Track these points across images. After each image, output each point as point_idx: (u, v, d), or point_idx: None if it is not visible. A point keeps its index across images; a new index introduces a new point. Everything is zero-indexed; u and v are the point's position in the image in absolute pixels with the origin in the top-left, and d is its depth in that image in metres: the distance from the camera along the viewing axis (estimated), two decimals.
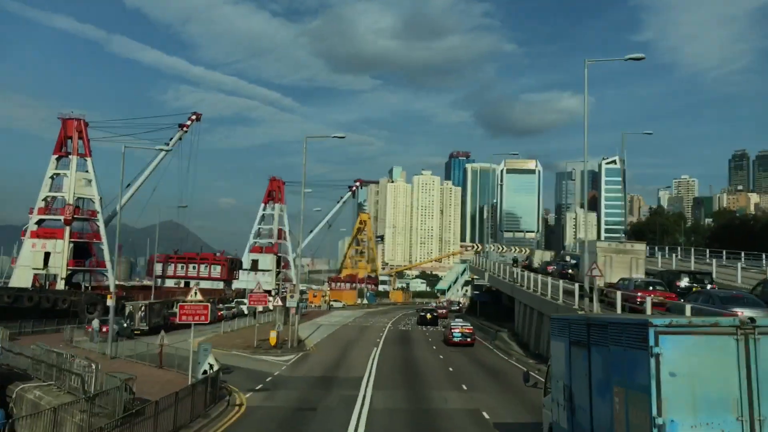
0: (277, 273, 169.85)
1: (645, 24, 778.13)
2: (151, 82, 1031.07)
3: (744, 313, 16.32)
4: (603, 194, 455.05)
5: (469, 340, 53.39)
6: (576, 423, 12.75)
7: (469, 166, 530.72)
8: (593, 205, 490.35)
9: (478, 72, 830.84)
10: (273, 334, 47.07)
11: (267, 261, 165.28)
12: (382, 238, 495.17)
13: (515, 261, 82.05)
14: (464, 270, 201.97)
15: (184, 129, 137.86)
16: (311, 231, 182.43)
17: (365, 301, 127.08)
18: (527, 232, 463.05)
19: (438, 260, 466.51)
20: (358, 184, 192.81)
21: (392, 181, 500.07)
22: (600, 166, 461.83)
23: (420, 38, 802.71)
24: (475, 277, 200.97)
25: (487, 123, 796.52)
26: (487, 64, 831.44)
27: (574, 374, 12.95)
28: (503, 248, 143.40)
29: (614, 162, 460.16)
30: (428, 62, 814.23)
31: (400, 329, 72.31)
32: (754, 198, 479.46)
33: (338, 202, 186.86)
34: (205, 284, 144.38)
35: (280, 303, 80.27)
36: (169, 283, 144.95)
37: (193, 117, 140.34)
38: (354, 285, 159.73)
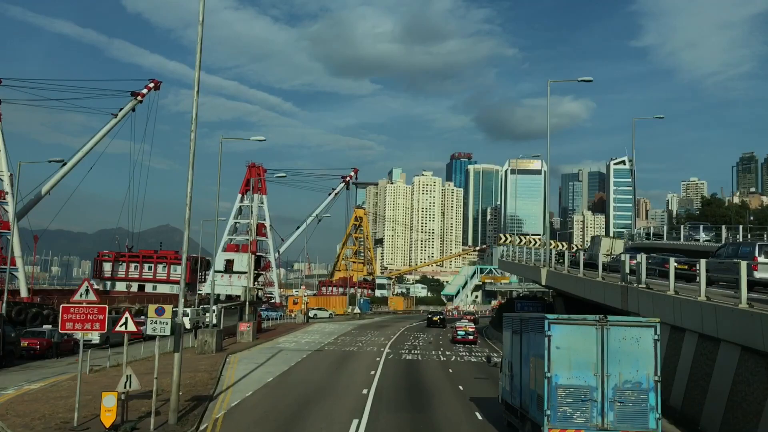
0: (257, 276, 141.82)
1: (645, 29, 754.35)
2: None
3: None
4: (612, 195, 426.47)
5: (471, 338, 57.09)
6: (513, 384, 19.91)
7: (471, 167, 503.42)
8: (601, 207, 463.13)
9: (478, 76, 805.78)
10: (109, 402, 18.85)
11: (243, 261, 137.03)
12: (381, 241, 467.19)
13: (560, 256, 54.22)
14: (474, 273, 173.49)
15: (138, 98, 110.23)
16: (298, 227, 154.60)
17: (357, 310, 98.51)
18: (533, 235, 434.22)
19: (440, 263, 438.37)
20: (353, 173, 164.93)
21: (391, 183, 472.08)
22: (608, 167, 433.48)
23: (420, 42, 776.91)
24: (488, 281, 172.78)
25: (488, 127, 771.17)
26: (487, 69, 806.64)
27: (513, 352, 20.31)
28: (521, 240, 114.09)
29: (623, 162, 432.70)
30: (428, 66, 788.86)
31: (405, 358, 44.18)
32: None
33: (330, 195, 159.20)
34: (163, 288, 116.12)
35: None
36: (121, 286, 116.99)
37: (151, 85, 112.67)
38: (348, 290, 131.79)
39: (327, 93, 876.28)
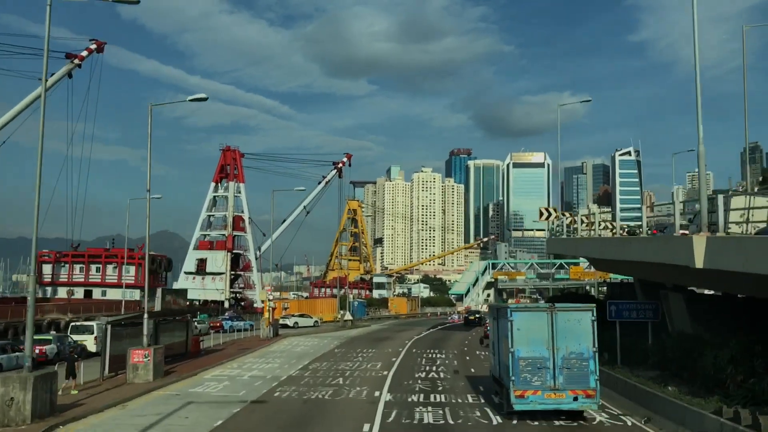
0: (234, 277, 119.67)
1: (642, 24, 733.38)
2: (148, 92, 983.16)
3: None
4: (618, 188, 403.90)
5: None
6: (495, 361, 24.77)
7: (471, 162, 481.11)
8: (606, 200, 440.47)
9: (475, 74, 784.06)
10: None
11: (218, 260, 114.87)
12: (380, 241, 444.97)
13: (662, 229, 32.39)
14: (485, 269, 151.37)
15: (75, 62, 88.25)
16: (284, 220, 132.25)
17: (348, 317, 75.53)
18: (537, 230, 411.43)
19: (441, 261, 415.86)
20: (346, 159, 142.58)
21: (390, 181, 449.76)
22: (613, 158, 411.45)
23: (416, 41, 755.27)
24: (501, 277, 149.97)
25: (486, 125, 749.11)
26: (484, 66, 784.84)
27: (493, 335, 25.80)
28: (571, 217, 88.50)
29: (629, 153, 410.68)
30: (425, 65, 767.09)
31: (421, 418, 21.81)
32: None
33: (320, 183, 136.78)
34: (113, 293, 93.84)
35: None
36: (63, 292, 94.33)
37: (93, 47, 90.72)
38: (339, 291, 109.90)
39: (324, 95, 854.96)
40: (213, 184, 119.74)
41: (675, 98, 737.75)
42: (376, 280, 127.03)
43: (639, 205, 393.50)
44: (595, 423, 20.52)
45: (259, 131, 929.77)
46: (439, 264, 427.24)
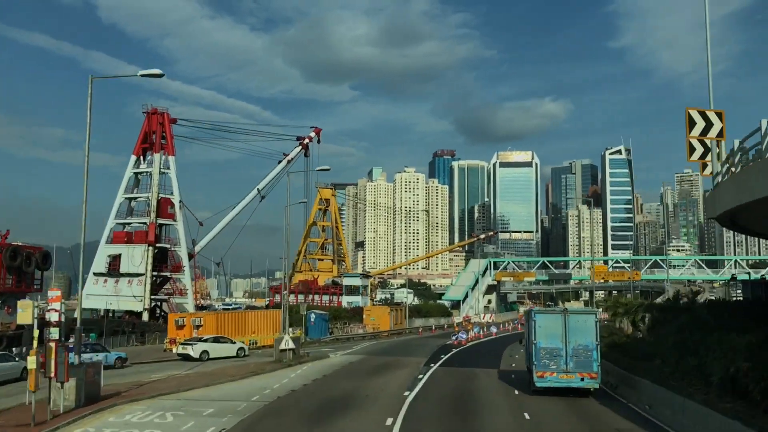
0: (160, 280, 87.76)
1: (621, 30, 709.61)
2: (128, 98, 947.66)
3: None
4: (608, 188, 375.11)
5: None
6: (527, 352, 29.78)
7: (455, 163, 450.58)
8: (595, 201, 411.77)
9: (457, 79, 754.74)
10: None
11: (136, 257, 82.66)
12: (362, 244, 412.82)
13: None
14: (486, 268, 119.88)
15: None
16: (233, 207, 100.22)
17: (289, 342, 42.85)
18: (525, 232, 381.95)
19: (425, 262, 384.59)
20: (314, 134, 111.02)
21: (372, 182, 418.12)
22: (603, 157, 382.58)
23: (397, 45, 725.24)
24: (506, 279, 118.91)
25: (468, 130, 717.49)
26: (465, 72, 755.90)
27: (526, 333, 30.67)
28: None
29: (619, 152, 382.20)
30: (406, 69, 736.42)
31: None
32: None
33: (280, 162, 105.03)
34: None
35: None
36: None
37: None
38: (285, 300, 78.13)
39: (305, 100, 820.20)
40: (133, 158, 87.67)
41: (655, 104, 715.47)
42: (347, 281, 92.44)
43: (631, 206, 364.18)
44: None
45: (241, 136, 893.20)
46: (423, 268, 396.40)
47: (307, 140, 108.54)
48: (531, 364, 27.30)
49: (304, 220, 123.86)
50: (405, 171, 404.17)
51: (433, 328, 76.64)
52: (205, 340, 44.39)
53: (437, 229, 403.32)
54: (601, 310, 32.77)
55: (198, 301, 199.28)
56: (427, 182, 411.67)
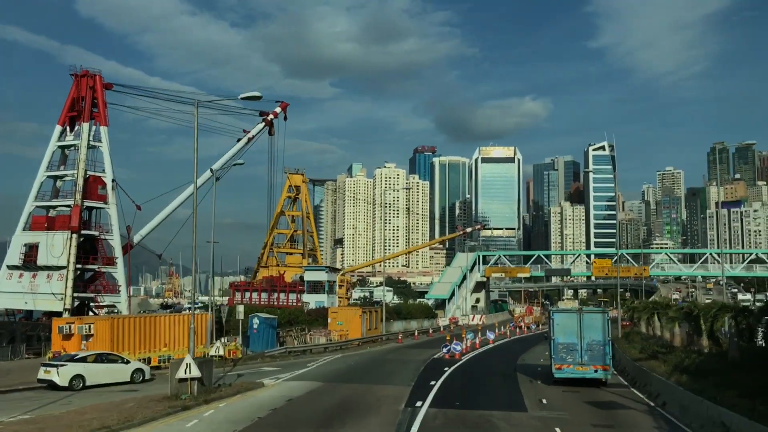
0: (90, 275, 72.13)
1: (601, 30, 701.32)
2: (107, 93, 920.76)
3: None
4: (591, 184, 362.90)
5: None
6: (550, 347, 30.27)
7: (436, 160, 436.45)
8: (578, 198, 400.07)
9: (438, 77, 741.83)
10: None
11: (57, 246, 66.85)
12: (341, 241, 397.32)
13: None
14: (474, 263, 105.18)
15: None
16: (184, 189, 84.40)
17: (194, 369, 27.86)
18: (507, 229, 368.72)
19: (405, 258, 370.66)
20: (279, 109, 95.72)
21: (351, 177, 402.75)
22: (586, 153, 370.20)
23: (378, 42, 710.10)
24: (497, 274, 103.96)
25: (449, 128, 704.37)
26: (446, 70, 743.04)
27: (550, 330, 30.41)
28: None
29: (602, 148, 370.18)
30: (388, 67, 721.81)
31: None
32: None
33: (239, 140, 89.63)
34: None
35: None
36: None
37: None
38: (212, 306, 62.72)
39: (287, 97, 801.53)
40: (59, 129, 71.95)
41: (634, 104, 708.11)
42: (309, 276, 74.11)
43: (614, 203, 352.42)
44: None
45: (221, 133, 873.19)
46: (403, 266, 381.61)
47: (271, 116, 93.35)
48: (550, 356, 29.76)
49: (269, 209, 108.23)
50: (385, 167, 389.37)
51: (416, 333, 61.94)
52: (81, 360, 29.34)
53: (418, 226, 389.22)
54: (609, 310, 34.59)
55: (166, 300, 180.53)
56: (407, 178, 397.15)
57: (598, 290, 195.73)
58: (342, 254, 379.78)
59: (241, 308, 39.99)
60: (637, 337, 46.30)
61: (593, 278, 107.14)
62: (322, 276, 66.20)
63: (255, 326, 40.56)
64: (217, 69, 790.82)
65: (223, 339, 38.58)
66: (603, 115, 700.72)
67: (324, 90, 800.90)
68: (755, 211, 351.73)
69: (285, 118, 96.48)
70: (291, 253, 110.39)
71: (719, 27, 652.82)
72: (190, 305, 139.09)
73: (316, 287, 66.03)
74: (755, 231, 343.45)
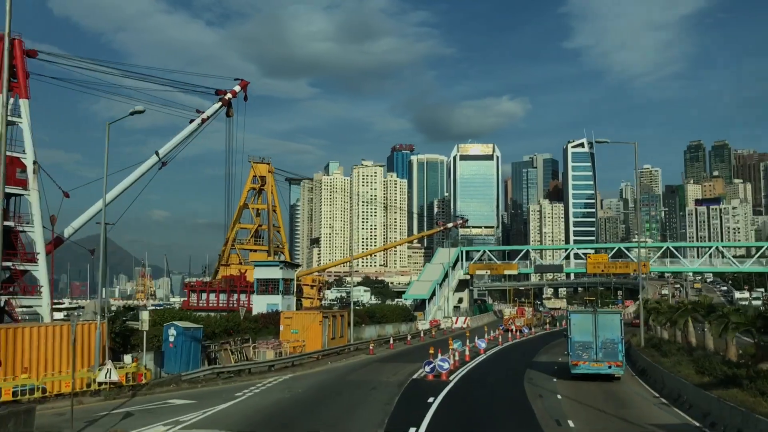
0: (8, 275, 60.33)
1: (576, 31, 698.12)
2: (81, 93, 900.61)
3: None
4: (570, 182, 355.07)
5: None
6: (567, 344, 31.94)
7: (414, 158, 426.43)
8: (556, 195, 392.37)
9: (415, 77, 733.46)
10: None
11: None
12: (317, 241, 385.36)
13: None
14: (456, 259, 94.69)
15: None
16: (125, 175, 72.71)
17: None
18: (486, 227, 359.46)
19: (382, 255, 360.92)
20: (239, 88, 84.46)
21: (328, 175, 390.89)
22: (565, 150, 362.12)
23: (355, 41, 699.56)
24: (481, 272, 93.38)
25: (427, 128, 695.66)
26: (424, 70, 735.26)
27: (568, 329, 32.01)
28: None
29: (581, 145, 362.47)
30: (365, 66, 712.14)
31: None
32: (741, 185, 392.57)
33: (192, 122, 78.05)
34: None
35: None
36: None
37: None
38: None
39: (263, 97, 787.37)
40: None
41: (610, 104, 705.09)
42: (259, 273, 60.31)
43: (593, 200, 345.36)
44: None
45: (198, 134, 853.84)
46: (381, 265, 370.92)
47: (229, 95, 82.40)
48: (568, 354, 31.60)
49: (227, 200, 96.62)
50: (362, 165, 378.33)
51: (391, 341, 51.16)
52: None
53: (396, 225, 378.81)
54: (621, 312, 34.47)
55: (129, 303, 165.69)
56: (385, 176, 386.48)
57: (579, 289, 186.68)
58: (319, 254, 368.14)
59: (145, 315, 28.99)
60: (670, 346, 36.13)
61: (589, 275, 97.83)
62: (275, 273, 54.70)
63: (171, 339, 29.71)
64: (193, 68, 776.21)
65: (126, 357, 27.55)
66: (580, 114, 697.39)
67: (301, 90, 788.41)
68: (734, 208, 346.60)
69: (245, 98, 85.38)
70: (255, 250, 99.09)
71: (694, 28, 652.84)
72: (154, 306, 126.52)
73: (267, 285, 54.66)
74: (734, 228, 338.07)
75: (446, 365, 31.06)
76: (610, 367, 30.24)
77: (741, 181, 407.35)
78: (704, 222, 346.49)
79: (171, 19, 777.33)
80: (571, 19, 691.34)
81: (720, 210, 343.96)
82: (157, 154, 71.89)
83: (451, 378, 31.10)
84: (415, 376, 31.81)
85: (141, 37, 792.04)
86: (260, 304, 53.49)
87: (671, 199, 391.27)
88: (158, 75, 75.65)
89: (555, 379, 31.66)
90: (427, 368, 31.16)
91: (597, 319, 30.86)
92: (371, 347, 44.72)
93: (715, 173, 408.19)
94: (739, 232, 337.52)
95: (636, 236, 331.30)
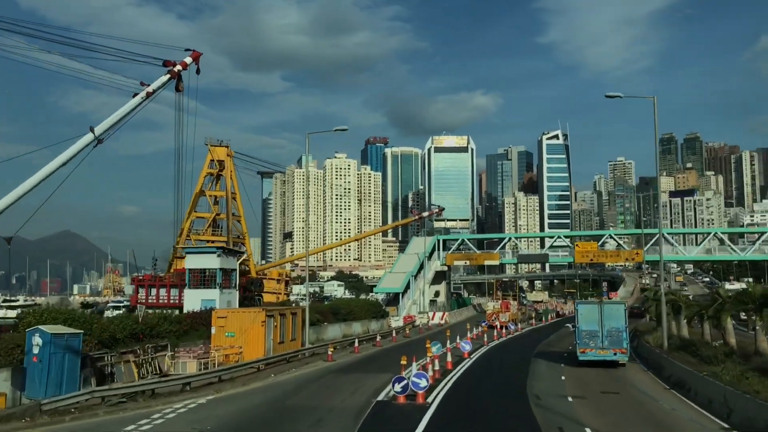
0: None
1: (549, 27, 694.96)
2: (51, 87, 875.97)
3: None
4: (545, 174, 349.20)
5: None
6: (575, 334, 33.91)
7: (388, 150, 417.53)
8: (531, 188, 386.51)
9: (389, 71, 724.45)
10: None
11: None
12: (290, 235, 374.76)
13: None
14: (433, 248, 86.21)
15: None
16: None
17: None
18: (461, 220, 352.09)
19: (355, 247, 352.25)
20: (190, 59, 74.25)
21: (300, 168, 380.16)
22: (540, 142, 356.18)
23: (328, 35, 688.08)
24: (461, 262, 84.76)
25: (401, 122, 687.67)
26: (398, 64, 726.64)
27: (576, 319, 33.65)
28: None
29: (556, 137, 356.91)
30: (338, 60, 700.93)
31: None
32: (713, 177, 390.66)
33: (135, 96, 67.93)
34: None
35: None
36: None
37: None
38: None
39: (237, 91, 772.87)
40: None
41: (583, 99, 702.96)
42: (192, 263, 48.63)
43: (568, 192, 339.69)
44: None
45: (169, 128, 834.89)
46: (355, 260, 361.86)
47: (179, 67, 72.02)
48: (576, 342, 33.30)
49: (177, 187, 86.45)
50: (336, 157, 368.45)
51: (356, 343, 42.26)
52: None
53: (370, 218, 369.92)
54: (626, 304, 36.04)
55: (87, 299, 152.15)
56: (359, 169, 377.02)
57: (555, 281, 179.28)
58: (292, 248, 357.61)
59: None
60: (711, 349, 27.93)
61: (576, 266, 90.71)
62: (211, 262, 45.23)
63: (36, 350, 20.71)
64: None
65: None
66: (553, 109, 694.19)
67: (275, 83, 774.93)
68: (708, 200, 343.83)
69: (198, 71, 75.16)
70: (212, 241, 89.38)
71: (663, 24, 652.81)
72: (115, 304, 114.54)
73: (198, 277, 45.09)
74: (708, 220, 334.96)
75: (423, 382, 22.29)
76: (615, 354, 31.85)
77: (713, 173, 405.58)
78: (679, 214, 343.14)
79: (141, 12, 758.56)
80: (545, 14, 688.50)
81: (694, 201, 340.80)
82: (92, 130, 61.85)
83: (429, 400, 22.40)
84: (381, 397, 23.05)
85: (110, 30, 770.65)
86: (193, 299, 43.98)
87: (645, 191, 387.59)
88: (105, 46, 66.17)
89: (571, 398, 23.18)
90: (398, 387, 22.36)
91: (603, 309, 32.67)
92: (330, 352, 35.87)
93: (688, 165, 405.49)
94: (712, 224, 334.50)
95: (610, 228, 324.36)
